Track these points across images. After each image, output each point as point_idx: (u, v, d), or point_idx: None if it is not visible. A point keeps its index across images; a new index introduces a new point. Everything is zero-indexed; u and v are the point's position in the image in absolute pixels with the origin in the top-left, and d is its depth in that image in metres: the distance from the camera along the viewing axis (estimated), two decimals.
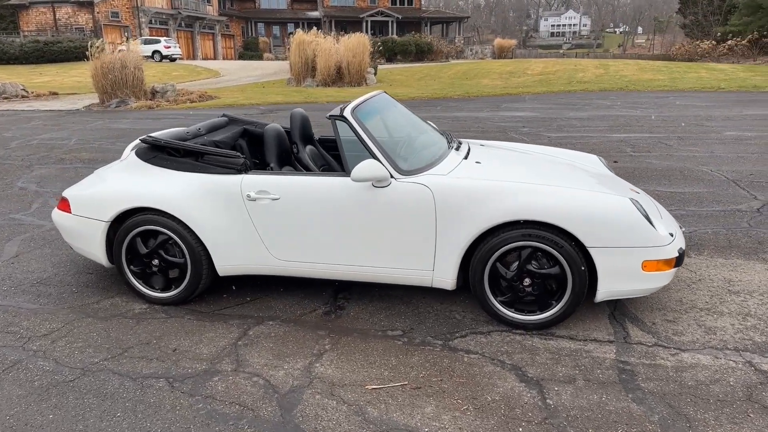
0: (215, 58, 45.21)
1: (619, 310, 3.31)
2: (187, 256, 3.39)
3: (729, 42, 34.52)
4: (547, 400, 2.50)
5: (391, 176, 3.12)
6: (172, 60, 34.26)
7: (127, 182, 3.47)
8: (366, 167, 3.03)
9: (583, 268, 2.93)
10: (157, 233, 3.43)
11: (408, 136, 3.60)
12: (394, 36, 39.70)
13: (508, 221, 2.94)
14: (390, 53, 34.19)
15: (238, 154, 3.41)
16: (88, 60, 16.32)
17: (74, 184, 3.82)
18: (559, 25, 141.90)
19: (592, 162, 4.03)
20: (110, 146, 9.26)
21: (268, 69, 31.10)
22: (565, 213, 2.89)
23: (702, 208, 5.16)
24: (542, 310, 3.08)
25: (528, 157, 3.83)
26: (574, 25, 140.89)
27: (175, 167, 3.45)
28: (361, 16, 48.00)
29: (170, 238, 3.40)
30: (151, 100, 16.23)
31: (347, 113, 3.27)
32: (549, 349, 2.92)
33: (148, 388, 2.66)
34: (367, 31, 44.19)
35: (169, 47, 34.34)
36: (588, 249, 2.91)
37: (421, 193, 3.08)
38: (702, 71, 22.58)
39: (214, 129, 4.20)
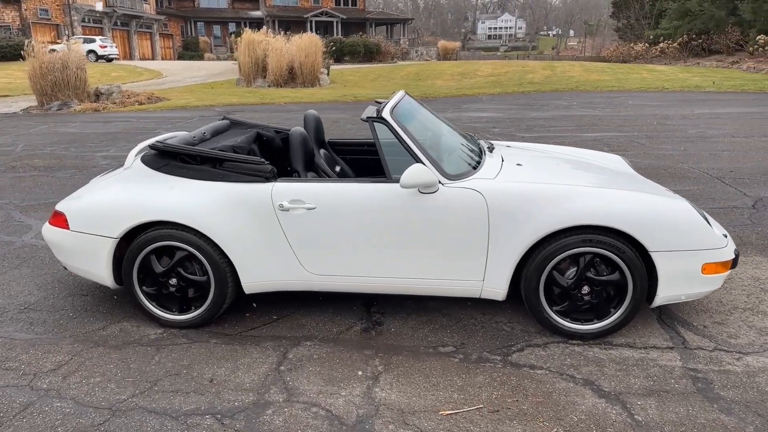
0: (153, 58, 43.42)
1: (666, 313, 3.24)
2: (211, 274, 3.07)
3: (661, 44, 36.28)
4: (636, 416, 2.37)
5: (438, 182, 2.92)
6: (109, 60, 32.60)
7: (137, 193, 3.10)
8: (415, 173, 2.82)
9: (644, 273, 2.83)
10: (173, 249, 3.09)
11: (439, 139, 3.40)
12: (341, 36, 39.39)
13: (570, 226, 2.80)
14: (338, 54, 33.85)
15: (263, 160, 3.11)
16: (23, 59, 15.21)
17: (68, 196, 3.39)
18: (495, 28, 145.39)
19: (616, 162, 3.97)
20: (64, 152, 8.57)
21: (213, 69, 30.10)
22: (630, 217, 2.78)
23: (700, 205, 5.23)
24: (600, 318, 2.96)
25: (563, 158, 3.72)
26: (510, 27, 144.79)
27: (192, 176, 3.12)
28: (305, 16, 47.40)
29: (190, 254, 3.06)
30: (95, 102, 15.30)
31: (386, 114, 3.05)
32: (613, 359, 2.80)
33: (194, 427, 2.34)
34: (311, 32, 43.62)
35: (105, 47, 32.65)
36: (650, 253, 2.80)
37: (473, 199, 2.89)
38: (643, 72, 23.55)
39: (218, 133, 3.86)
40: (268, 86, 21.48)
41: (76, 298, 3.56)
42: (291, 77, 22.01)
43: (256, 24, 44.17)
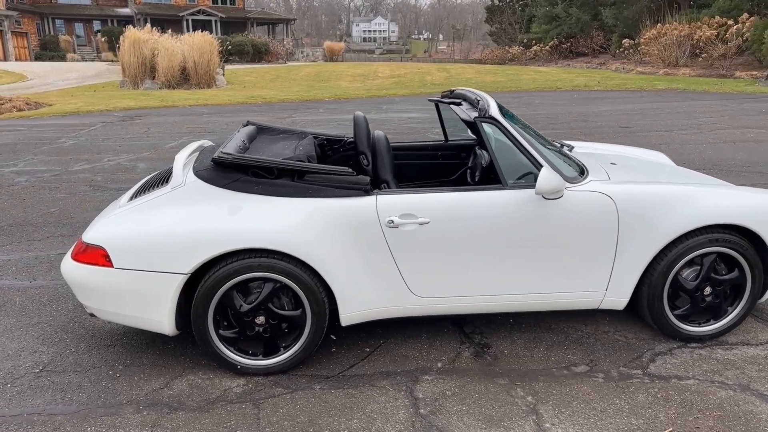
0: (6, 59, 38.42)
1: None
2: (307, 306, 2.57)
3: (534, 48, 38.88)
4: None
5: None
6: None
7: (208, 217, 2.51)
8: (548, 178, 2.57)
9: (762, 269, 2.81)
10: (251, 282, 2.55)
11: (537, 140, 3.16)
12: (224, 36, 37.61)
13: (701, 226, 2.70)
14: (225, 54, 32.27)
15: (350, 170, 2.68)
16: None
17: (95, 225, 2.69)
18: (370, 31, 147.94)
19: (661, 158, 3.98)
20: None
21: (86, 71, 27.28)
22: (755, 214, 2.74)
23: None
24: (716, 318, 2.90)
25: (632, 156, 3.66)
26: (383, 31, 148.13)
27: (273, 192, 2.59)
28: (181, 14, 44.64)
29: (283, 285, 2.55)
30: None
31: (495, 114, 2.77)
32: (744, 359, 2.75)
33: None
34: (188, 31, 41.14)
35: None
36: None
37: (601, 202, 2.69)
38: (531, 73, 25.03)
39: (252, 140, 3.31)
40: (159, 88, 19.88)
41: (102, 351, 2.85)
42: (184, 78, 20.57)
43: (125, 22, 40.75)
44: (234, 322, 2.59)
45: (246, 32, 40.87)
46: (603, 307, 2.86)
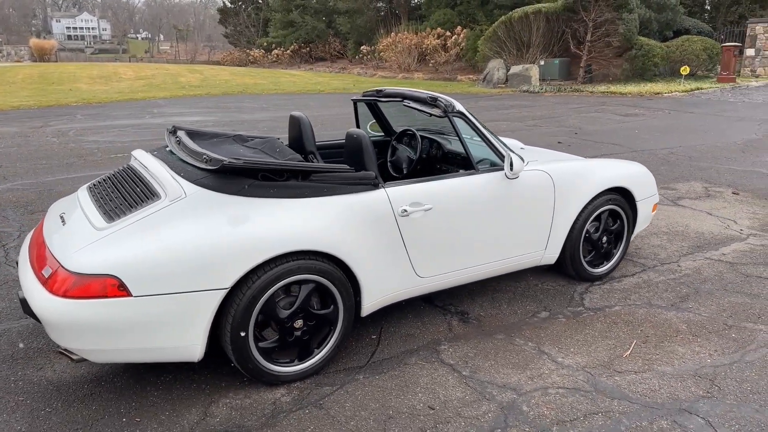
0: None
1: None
2: (340, 303, 2.62)
3: (276, 51, 39.73)
4: (701, 315, 3.27)
5: None
6: None
7: (236, 226, 2.35)
8: (517, 162, 3.08)
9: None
10: (280, 288, 2.49)
11: None
12: None
13: (601, 190, 3.52)
14: None
15: (350, 167, 2.79)
16: None
17: (76, 253, 2.24)
18: (76, 28, 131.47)
19: (517, 143, 4.83)
20: None
21: None
22: (630, 178, 3.67)
23: None
24: (608, 260, 3.79)
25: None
26: (93, 28, 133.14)
27: (288, 194, 2.54)
28: None
29: (317, 285, 2.53)
30: None
31: (461, 109, 3.15)
32: (633, 286, 3.67)
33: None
34: None
35: None
36: (637, 202, 3.76)
37: (544, 179, 3.30)
38: (287, 77, 25.67)
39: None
40: None
41: (89, 402, 2.39)
42: None
43: None
44: (262, 332, 2.48)
45: None
46: (542, 263, 3.51)
